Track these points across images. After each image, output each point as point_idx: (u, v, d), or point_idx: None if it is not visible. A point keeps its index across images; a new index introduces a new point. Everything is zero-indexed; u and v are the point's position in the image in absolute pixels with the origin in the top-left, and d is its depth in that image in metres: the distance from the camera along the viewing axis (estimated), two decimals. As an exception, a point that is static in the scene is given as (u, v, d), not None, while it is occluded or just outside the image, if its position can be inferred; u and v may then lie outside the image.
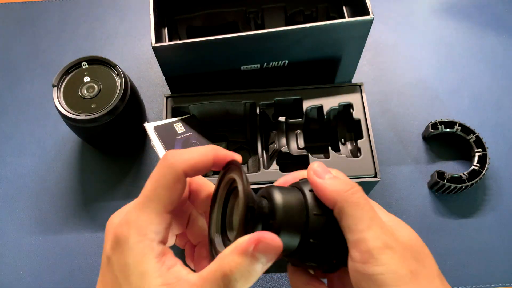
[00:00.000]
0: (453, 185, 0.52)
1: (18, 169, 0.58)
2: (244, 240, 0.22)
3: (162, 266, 0.23)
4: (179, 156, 0.24)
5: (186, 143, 0.48)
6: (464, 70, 0.64)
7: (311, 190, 0.26)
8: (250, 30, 0.53)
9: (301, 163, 0.50)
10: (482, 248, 0.52)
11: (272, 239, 0.22)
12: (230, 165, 0.26)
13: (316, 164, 0.26)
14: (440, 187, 0.53)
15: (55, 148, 0.59)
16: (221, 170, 0.27)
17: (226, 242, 0.25)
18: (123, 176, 0.57)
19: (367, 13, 0.47)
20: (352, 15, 0.54)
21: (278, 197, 0.25)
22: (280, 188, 0.26)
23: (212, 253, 0.25)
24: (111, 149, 0.58)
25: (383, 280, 0.22)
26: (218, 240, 0.26)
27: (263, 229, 0.24)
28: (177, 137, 0.48)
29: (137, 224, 0.23)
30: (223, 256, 0.22)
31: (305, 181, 0.27)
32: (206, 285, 0.22)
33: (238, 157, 0.26)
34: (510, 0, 0.69)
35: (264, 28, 0.50)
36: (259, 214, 0.24)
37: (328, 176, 0.25)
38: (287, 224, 0.24)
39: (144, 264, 0.22)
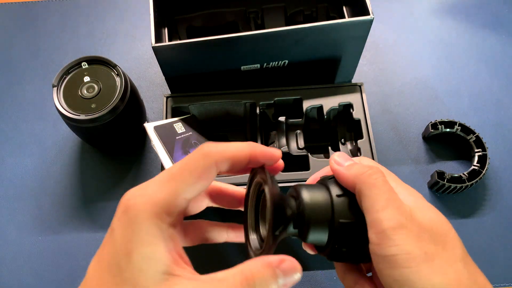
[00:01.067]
0: (453, 185, 0.52)
1: (18, 169, 0.58)
2: (274, 256, 0.22)
3: (169, 253, 0.21)
4: (215, 147, 0.23)
5: (186, 143, 0.48)
6: (464, 70, 0.64)
7: (339, 196, 0.26)
8: (250, 30, 0.53)
9: (301, 163, 0.50)
10: (482, 248, 0.52)
11: (293, 262, 0.22)
12: (255, 169, 0.27)
13: (337, 154, 0.27)
14: (440, 187, 0.53)
15: (55, 148, 0.59)
16: (249, 173, 0.27)
17: (259, 242, 0.27)
18: (123, 176, 0.57)
19: (367, 13, 0.47)
20: (352, 15, 0.54)
21: (305, 195, 0.26)
22: (307, 186, 0.27)
23: (250, 252, 0.26)
24: (111, 149, 0.58)
25: (395, 261, 0.22)
26: (253, 237, 0.27)
27: (294, 227, 0.26)
28: (177, 137, 0.48)
29: (152, 200, 0.22)
30: (249, 262, 0.22)
31: (330, 181, 0.27)
32: (224, 283, 0.21)
33: (277, 153, 0.26)
34: (510, 0, 0.69)
35: (264, 28, 0.50)
36: (286, 214, 0.25)
37: (348, 163, 0.26)
38: (315, 219, 0.25)
39: (151, 246, 0.21)
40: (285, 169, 0.48)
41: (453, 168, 0.57)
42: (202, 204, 0.29)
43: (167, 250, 0.21)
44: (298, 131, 0.54)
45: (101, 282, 0.21)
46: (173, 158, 0.45)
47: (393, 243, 0.22)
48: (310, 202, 0.25)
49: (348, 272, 0.28)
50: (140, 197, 0.22)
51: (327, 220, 0.25)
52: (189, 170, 0.23)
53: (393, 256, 0.22)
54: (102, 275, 0.21)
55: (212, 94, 0.52)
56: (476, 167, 0.53)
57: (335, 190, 0.26)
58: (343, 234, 0.25)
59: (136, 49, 0.67)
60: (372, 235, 0.23)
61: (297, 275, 0.22)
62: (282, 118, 0.53)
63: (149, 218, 0.21)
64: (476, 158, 0.54)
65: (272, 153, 0.26)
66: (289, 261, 0.22)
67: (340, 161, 0.26)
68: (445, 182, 0.52)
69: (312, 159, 0.48)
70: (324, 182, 0.27)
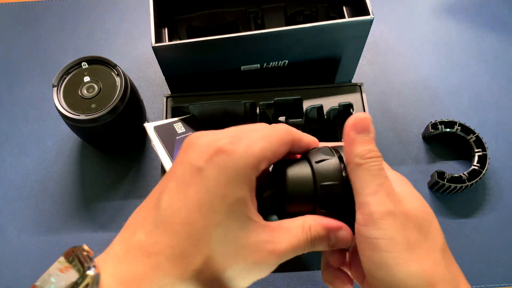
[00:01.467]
0: (453, 185, 0.52)
1: (18, 169, 0.58)
2: (334, 222, 0.25)
3: (253, 201, 0.24)
4: (295, 129, 0.27)
5: (186, 143, 0.48)
6: (464, 70, 0.64)
7: (317, 162, 0.26)
8: (250, 30, 0.53)
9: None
10: (482, 248, 0.52)
11: (348, 233, 0.25)
12: None
13: (354, 117, 0.25)
14: (440, 187, 0.53)
15: (55, 148, 0.59)
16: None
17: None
18: (123, 176, 0.57)
19: (367, 13, 0.47)
20: (352, 15, 0.54)
21: (288, 172, 0.26)
22: (289, 162, 0.27)
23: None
24: (111, 149, 0.58)
25: (377, 244, 0.23)
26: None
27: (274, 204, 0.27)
28: (177, 137, 0.48)
29: (249, 150, 0.23)
30: (310, 218, 0.25)
31: (312, 152, 0.27)
32: (289, 232, 0.24)
33: (314, 140, 0.29)
34: (510, 0, 0.69)
35: (264, 28, 0.50)
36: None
37: (362, 135, 0.25)
38: (297, 196, 0.26)
39: (244, 192, 0.23)
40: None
41: (453, 168, 0.57)
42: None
43: (253, 198, 0.24)
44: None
45: (190, 220, 0.22)
46: (173, 158, 0.45)
47: (378, 227, 0.23)
48: (292, 186, 0.26)
49: (326, 268, 0.29)
50: (237, 144, 0.23)
51: (310, 188, 0.26)
52: (276, 137, 0.25)
53: (376, 239, 0.23)
54: (189, 213, 0.22)
55: (212, 94, 0.52)
56: (476, 167, 0.53)
57: (314, 158, 0.26)
58: (327, 196, 0.26)
59: (136, 49, 0.67)
60: (359, 215, 0.24)
61: (348, 242, 0.25)
62: (282, 118, 0.53)
63: (245, 167, 0.23)
64: (476, 158, 0.54)
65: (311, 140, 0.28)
66: (345, 231, 0.25)
67: (358, 127, 0.25)
68: (445, 182, 0.52)
69: (312, 159, 0.48)
70: (308, 160, 0.27)
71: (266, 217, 0.26)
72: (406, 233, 0.23)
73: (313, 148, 0.28)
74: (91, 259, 0.23)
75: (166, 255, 0.22)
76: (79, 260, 0.23)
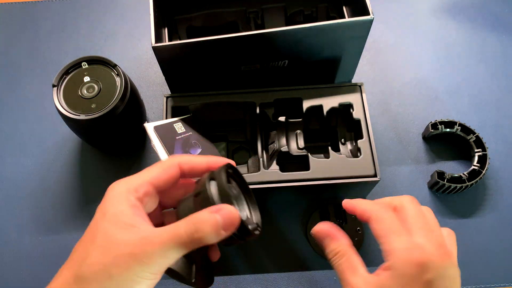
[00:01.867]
0: (453, 185, 0.52)
1: (18, 169, 0.58)
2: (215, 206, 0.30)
3: (132, 213, 0.29)
4: (179, 155, 0.34)
5: (186, 143, 0.48)
6: (464, 70, 0.64)
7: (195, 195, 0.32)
8: (250, 30, 0.53)
9: (301, 163, 0.50)
10: (482, 248, 0.52)
11: (231, 211, 0.30)
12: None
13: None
14: (440, 187, 0.53)
15: (55, 148, 0.59)
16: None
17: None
18: (123, 176, 0.56)
19: (367, 13, 0.47)
20: (352, 15, 0.54)
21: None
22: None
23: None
24: (111, 149, 0.58)
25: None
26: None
27: None
28: (177, 137, 0.48)
29: (125, 181, 0.32)
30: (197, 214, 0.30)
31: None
32: (180, 225, 0.29)
33: (213, 162, 0.35)
34: (510, 0, 0.69)
35: (264, 28, 0.50)
36: None
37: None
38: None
39: (120, 207, 0.29)
40: (285, 169, 0.48)
41: (453, 168, 0.57)
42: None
43: (132, 212, 0.29)
44: (298, 131, 0.54)
45: (81, 240, 0.30)
46: (173, 158, 0.45)
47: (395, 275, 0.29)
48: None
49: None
50: (118, 181, 0.32)
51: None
52: (157, 165, 0.33)
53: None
54: (82, 238, 0.30)
55: (212, 94, 0.52)
56: (476, 167, 0.53)
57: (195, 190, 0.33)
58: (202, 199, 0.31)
59: (136, 49, 0.67)
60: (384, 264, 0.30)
61: (236, 222, 0.30)
62: (282, 118, 0.53)
63: (121, 192, 0.30)
64: (476, 158, 0.54)
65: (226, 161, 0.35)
66: (226, 209, 0.30)
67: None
68: (445, 182, 0.52)
69: (312, 159, 0.48)
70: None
71: None
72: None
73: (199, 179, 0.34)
74: None
75: None
76: None
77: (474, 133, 0.55)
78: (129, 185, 0.31)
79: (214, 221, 0.29)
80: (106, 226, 0.29)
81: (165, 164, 0.33)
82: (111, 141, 0.55)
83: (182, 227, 0.29)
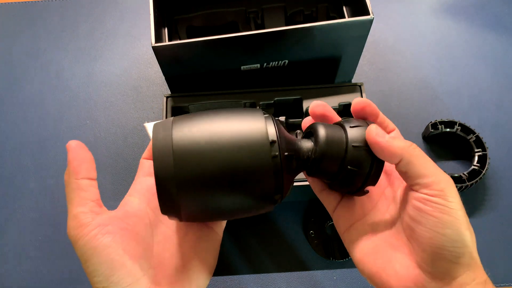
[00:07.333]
0: (453, 185, 0.52)
1: (18, 169, 0.58)
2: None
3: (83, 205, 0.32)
4: None
5: (186, 143, 0.48)
6: (464, 70, 0.64)
7: (352, 127, 0.30)
8: (250, 30, 0.53)
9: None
10: (482, 248, 0.51)
11: None
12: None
13: (374, 126, 0.29)
14: (440, 187, 0.53)
15: (55, 148, 0.59)
16: None
17: None
18: (123, 176, 0.57)
19: (367, 13, 0.47)
20: (352, 15, 0.54)
21: (321, 131, 0.30)
22: (324, 125, 0.31)
23: None
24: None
25: (449, 211, 0.28)
26: None
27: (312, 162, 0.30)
28: (177, 137, 0.48)
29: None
30: None
31: (345, 120, 0.31)
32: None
33: None
34: (510, 0, 0.69)
35: (264, 28, 0.50)
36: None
37: (388, 136, 0.29)
38: (330, 153, 0.29)
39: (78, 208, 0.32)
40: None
41: (453, 168, 0.57)
42: None
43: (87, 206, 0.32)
44: (298, 131, 0.54)
45: None
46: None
47: (451, 199, 0.28)
48: (326, 143, 0.29)
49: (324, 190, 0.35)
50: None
51: (342, 149, 0.29)
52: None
53: (450, 208, 0.28)
54: None
55: (212, 94, 0.52)
56: (476, 167, 0.53)
57: (352, 138, 0.29)
58: (355, 157, 0.29)
59: (136, 49, 0.67)
60: (431, 191, 0.28)
61: None
62: (282, 118, 0.53)
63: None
64: (476, 158, 0.54)
65: None
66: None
67: (380, 133, 0.29)
68: (445, 182, 0.52)
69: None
70: (342, 125, 0.30)
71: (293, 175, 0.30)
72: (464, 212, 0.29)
73: (345, 117, 0.31)
74: None
75: None
76: None
77: (474, 133, 0.55)
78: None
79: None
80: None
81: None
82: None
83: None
